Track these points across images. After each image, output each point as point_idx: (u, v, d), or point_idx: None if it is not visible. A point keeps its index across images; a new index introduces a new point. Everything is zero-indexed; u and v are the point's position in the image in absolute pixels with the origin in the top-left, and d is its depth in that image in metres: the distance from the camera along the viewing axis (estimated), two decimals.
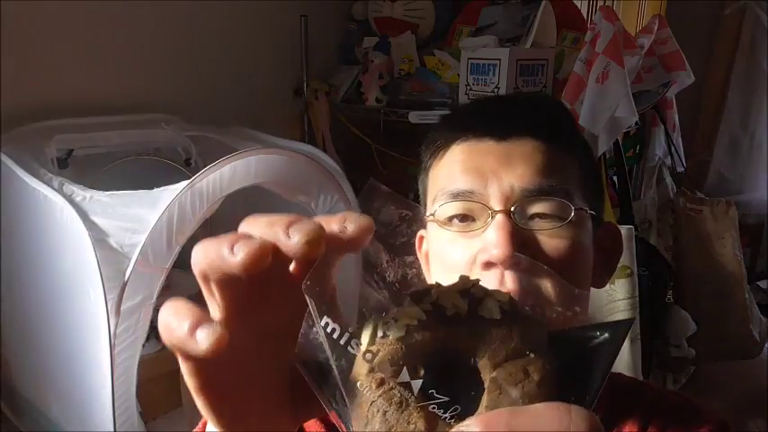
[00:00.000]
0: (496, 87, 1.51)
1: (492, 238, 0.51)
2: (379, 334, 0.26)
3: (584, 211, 0.55)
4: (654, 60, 1.71)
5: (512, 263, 0.50)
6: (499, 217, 0.52)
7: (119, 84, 1.52)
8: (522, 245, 0.51)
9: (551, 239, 0.52)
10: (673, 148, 1.89)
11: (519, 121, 0.57)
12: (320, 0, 1.93)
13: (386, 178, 1.98)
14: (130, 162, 1.41)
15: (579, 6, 2.08)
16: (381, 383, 0.25)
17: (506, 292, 0.29)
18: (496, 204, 0.53)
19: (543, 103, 0.65)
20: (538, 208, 0.53)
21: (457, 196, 0.54)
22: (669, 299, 1.72)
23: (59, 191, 1.06)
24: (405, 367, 0.25)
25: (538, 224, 0.53)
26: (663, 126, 1.85)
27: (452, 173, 0.56)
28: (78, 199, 1.05)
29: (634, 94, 1.46)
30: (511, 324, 0.26)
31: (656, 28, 1.65)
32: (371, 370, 0.25)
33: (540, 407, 0.23)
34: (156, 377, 1.29)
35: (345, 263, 0.28)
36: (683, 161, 1.94)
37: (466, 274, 0.49)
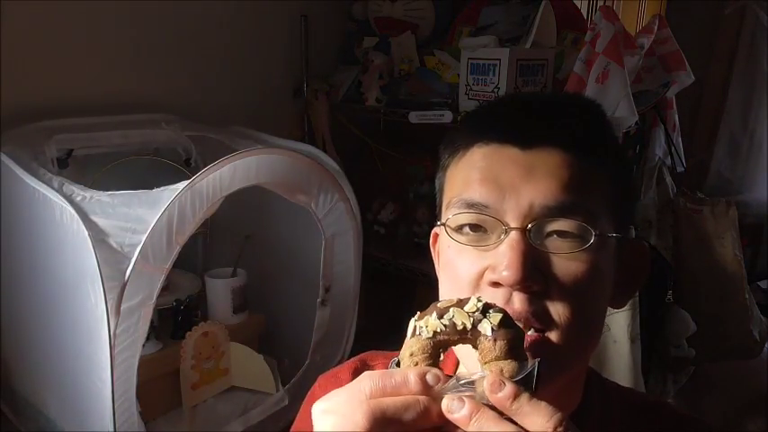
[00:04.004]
0: (496, 87, 1.51)
1: (503, 257, 0.48)
2: (417, 333, 0.42)
3: (605, 236, 0.51)
4: (654, 60, 1.71)
5: (521, 286, 0.48)
6: (513, 234, 0.49)
7: (119, 84, 1.52)
8: (534, 266, 0.49)
9: (567, 262, 0.49)
10: (673, 148, 1.89)
11: (547, 128, 0.52)
12: (320, 0, 1.93)
13: (386, 178, 1.98)
14: (130, 162, 1.41)
15: (579, 6, 2.08)
16: (416, 363, 0.41)
17: (500, 314, 0.41)
18: (512, 221, 0.49)
19: (577, 107, 0.58)
20: (557, 226, 0.50)
21: (471, 206, 0.51)
22: (669, 299, 1.71)
23: (59, 191, 1.06)
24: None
25: (554, 243, 0.50)
26: (663, 126, 1.85)
27: (470, 180, 0.52)
28: (78, 199, 1.05)
29: (634, 94, 1.46)
30: (496, 339, 0.41)
31: (656, 28, 1.65)
32: (411, 354, 0.41)
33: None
34: (156, 377, 1.29)
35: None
36: (683, 161, 1.94)
37: (472, 288, 0.51)
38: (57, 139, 1.27)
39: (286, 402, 1.43)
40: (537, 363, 0.41)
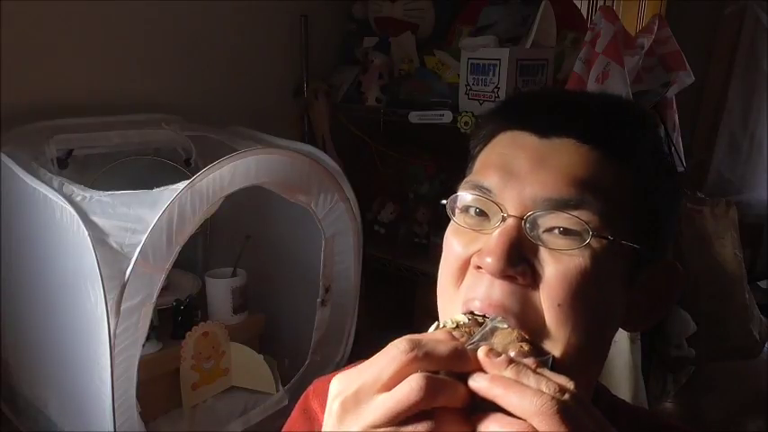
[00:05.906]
0: (496, 87, 1.51)
1: (491, 243, 0.46)
2: (441, 325, 0.46)
3: (607, 238, 0.46)
4: (654, 60, 1.71)
5: (503, 276, 0.45)
6: (509, 221, 0.46)
7: (119, 84, 1.52)
8: (523, 258, 0.45)
9: (558, 261, 0.45)
10: (673, 148, 1.89)
11: (568, 117, 0.49)
12: (320, 0, 1.93)
13: (386, 178, 1.98)
14: (130, 162, 1.41)
15: (579, 6, 2.08)
16: None
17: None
18: (512, 209, 0.47)
19: (614, 107, 0.54)
20: (555, 221, 0.46)
21: (476, 188, 0.49)
22: None
23: (59, 191, 1.06)
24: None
25: (551, 239, 0.46)
26: (663, 126, 1.85)
27: (486, 163, 0.51)
28: (78, 199, 1.05)
29: (634, 94, 1.46)
30: (513, 328, 0.45)
31: (656, 28, 1.65)
32: None
33: None
34: (156, 377, 1.29)
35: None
36: (683, 161, 1.94)
37: (459, 273, 0.50)
38: (57, 139, 1.27)
39: (286, 402, 1.43)
40: (551, 357, 0.45)
